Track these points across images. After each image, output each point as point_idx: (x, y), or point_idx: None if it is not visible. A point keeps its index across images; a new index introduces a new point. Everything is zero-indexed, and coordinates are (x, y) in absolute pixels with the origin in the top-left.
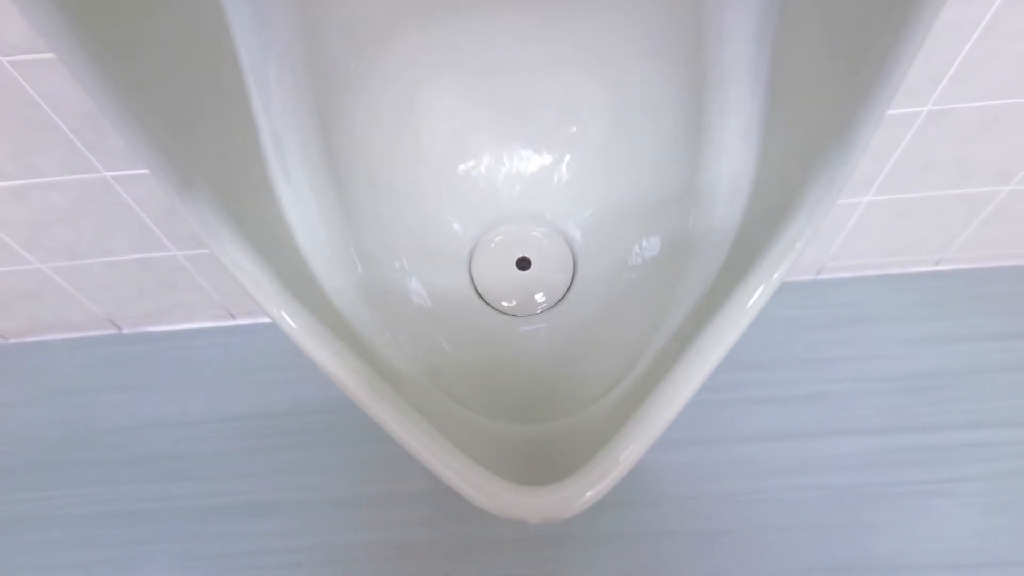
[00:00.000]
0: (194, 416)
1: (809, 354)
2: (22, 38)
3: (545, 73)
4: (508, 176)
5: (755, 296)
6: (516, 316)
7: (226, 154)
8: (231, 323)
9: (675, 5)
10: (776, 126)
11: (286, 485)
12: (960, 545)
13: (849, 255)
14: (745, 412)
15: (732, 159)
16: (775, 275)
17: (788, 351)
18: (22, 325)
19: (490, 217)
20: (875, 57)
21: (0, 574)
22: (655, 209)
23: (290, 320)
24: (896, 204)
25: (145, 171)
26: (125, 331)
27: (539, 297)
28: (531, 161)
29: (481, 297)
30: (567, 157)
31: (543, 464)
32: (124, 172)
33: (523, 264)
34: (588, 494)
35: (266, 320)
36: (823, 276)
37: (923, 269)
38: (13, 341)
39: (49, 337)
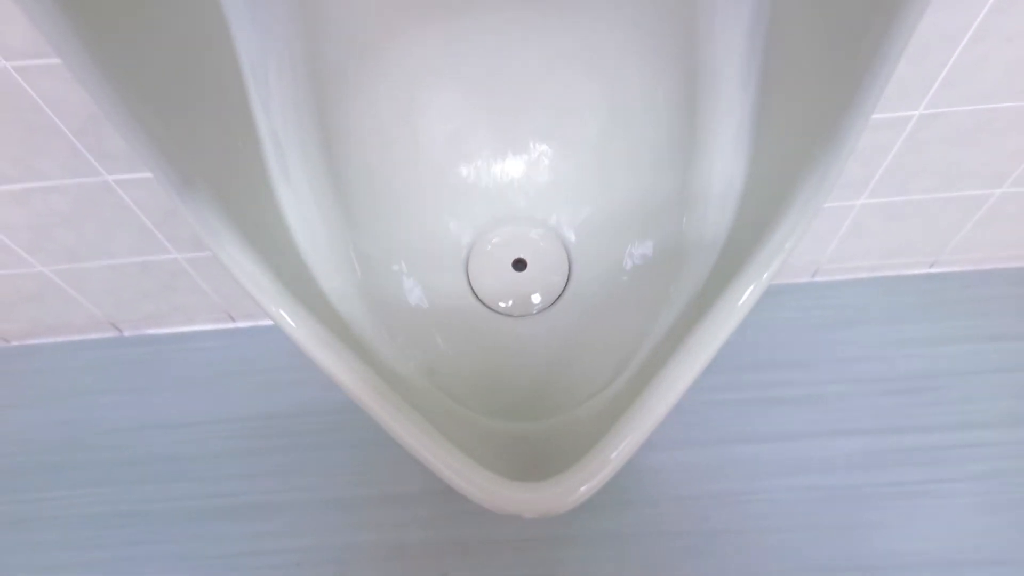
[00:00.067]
0: (194, 418)
1: (805, 355)
2: (25, 42)
3: (541, 76)
4: (505, 178)
5: (745, 296)
6: (512, 316)
7: (226, 155)
8: (231, 326)
9: (669, 10)
10: (766, 129)
11: (285, 486)
12: (955, 544)
13: (845, 257)
14: (742, 413)
15: (724, 162)
16: (764, 275)
17: (784, 352)
18: (24, 328)
19: (487, 218)
20: (860, 60)
21: (1, 574)
22: (649, 211)
23: (289, 319)
24: (890, 207)
25: (146, 174)
26: (126, 334)
27: (535, 298)
28: (527, 163)
29: (478, 298)
30: (563, 159)
31: (538, 461)
32: (125, 175)
33: (519, 265)
34: (582, 489)
35: (265, 323)
36: (819, 278)
37: (918, 271)
38: (15, 344)
39: (50, 340)
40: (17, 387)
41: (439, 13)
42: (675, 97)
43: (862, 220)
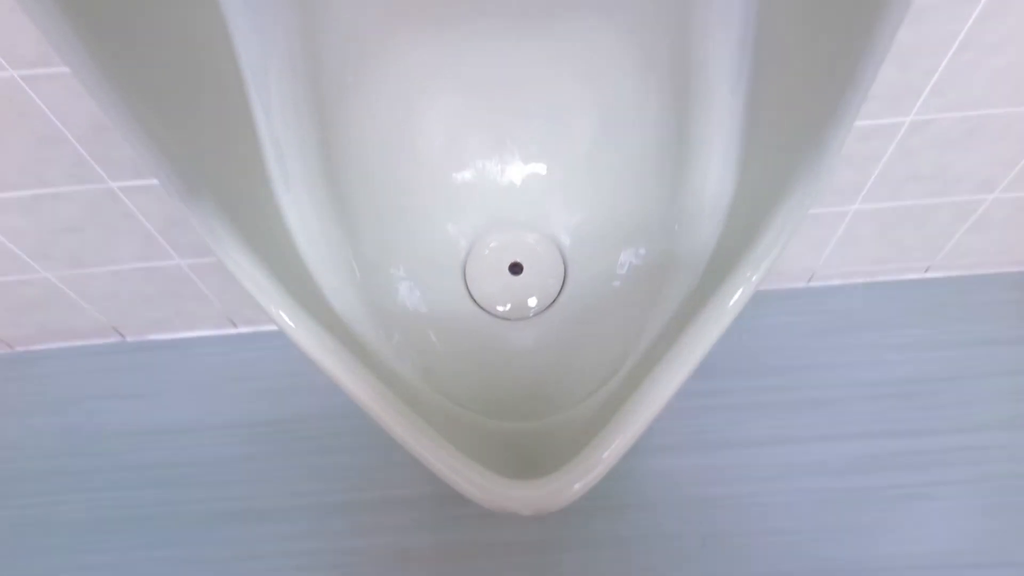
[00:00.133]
0: (196, 423)
1: (801, 360)
2: (32, 52)
3: (538, 83)
4: (502, 183)
5: (734, 298)
6: (509, 320)
7: (229, 161)
8: (233, 331)
9: (662, 20)
10: (755, 136)
11: (287, 490)
12: (950, 547)
13: (840, 263)
14: (739, 417)
15: (714, 169)
16: (753, 278)
17: (781, 357)
18: (28, 333)
19: (484, 223)
20: (841, 70)
21: None
22: (641, 217)
23: (290, 321)
24: (883, 213)
25: (149, 181)
26: (129, 339)
27: (531, 301)
28: (523, 169)
29: (475, 301)
30: (558, 166)
31: (534, 459)
32: (130, 183)
33: (516, 269)
34: (576, 486)
35: (267, 328)
36: (815, 283)
37: (913, 276)
38: (20, 349)
39: (54, 345)
40: (21, 392)
41: (437, 21)
42: (668, 105)
43: (856, 226)
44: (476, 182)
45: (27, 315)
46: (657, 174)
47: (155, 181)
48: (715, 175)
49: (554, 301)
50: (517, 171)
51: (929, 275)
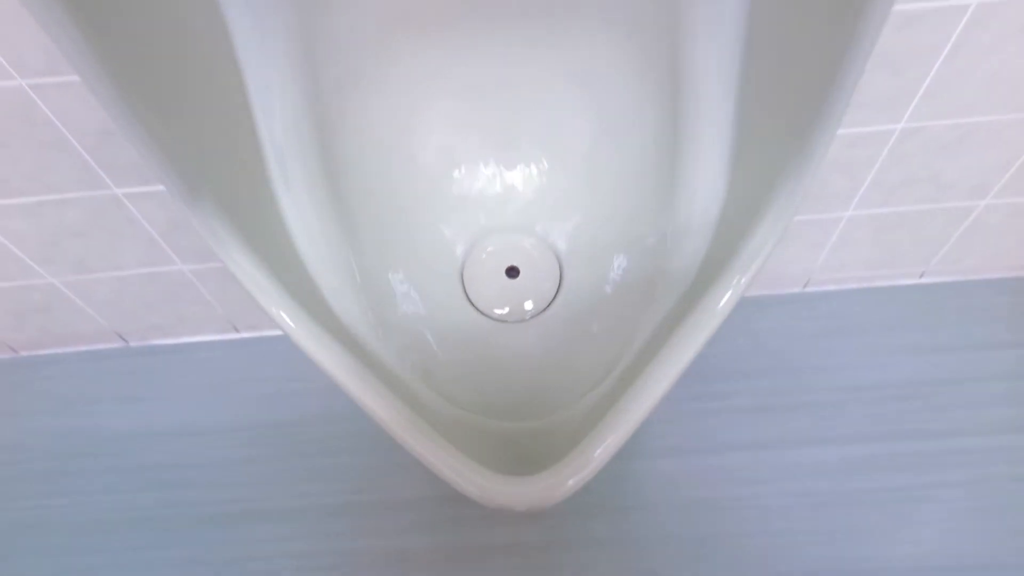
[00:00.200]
0: (198, 426)
1: (796, 364)
2: (39, 61)
3: (535, 90)
4: (499, 189)
5: (723, 301)
6: (506, 322)
7: (231, 166)
8: (235, 336)
9: (657, 29)
10: (745, 143)
11: (288, 492)
12: (947, 549)
13: (835, 268)
14: (734, 421)
15: (706, 175)
16: (742, 281)
17: (776, 361)
18: (32, 338)
19: (481, 228)
20: (823, 79)
21: None
22: (635, 221)
23: (291, 322)
24: (877, 218)
25: (153, 187)
26: (132, 344)
27: (527, 305)
28: (521, 175)
29: (473, 304)
30: (554, 171)
31: (529, 457)
32: (134, 189)
33: (512, 273)
34: (570, 483)
35: (269, 333)
36: (811, 288)
37: (908, 281)
38: (23, 353)
39: (58, 350)
40: (25, 396)
41: (437, 25)
42: (664, 110)
43: (850, 231)
44: (473, 187)
45: (31, 319)
46: (651, 179)
47: (159, 187)
48: (707, 181)
49: (550, 304)
50: (514, 176)
51: (924, 280)
